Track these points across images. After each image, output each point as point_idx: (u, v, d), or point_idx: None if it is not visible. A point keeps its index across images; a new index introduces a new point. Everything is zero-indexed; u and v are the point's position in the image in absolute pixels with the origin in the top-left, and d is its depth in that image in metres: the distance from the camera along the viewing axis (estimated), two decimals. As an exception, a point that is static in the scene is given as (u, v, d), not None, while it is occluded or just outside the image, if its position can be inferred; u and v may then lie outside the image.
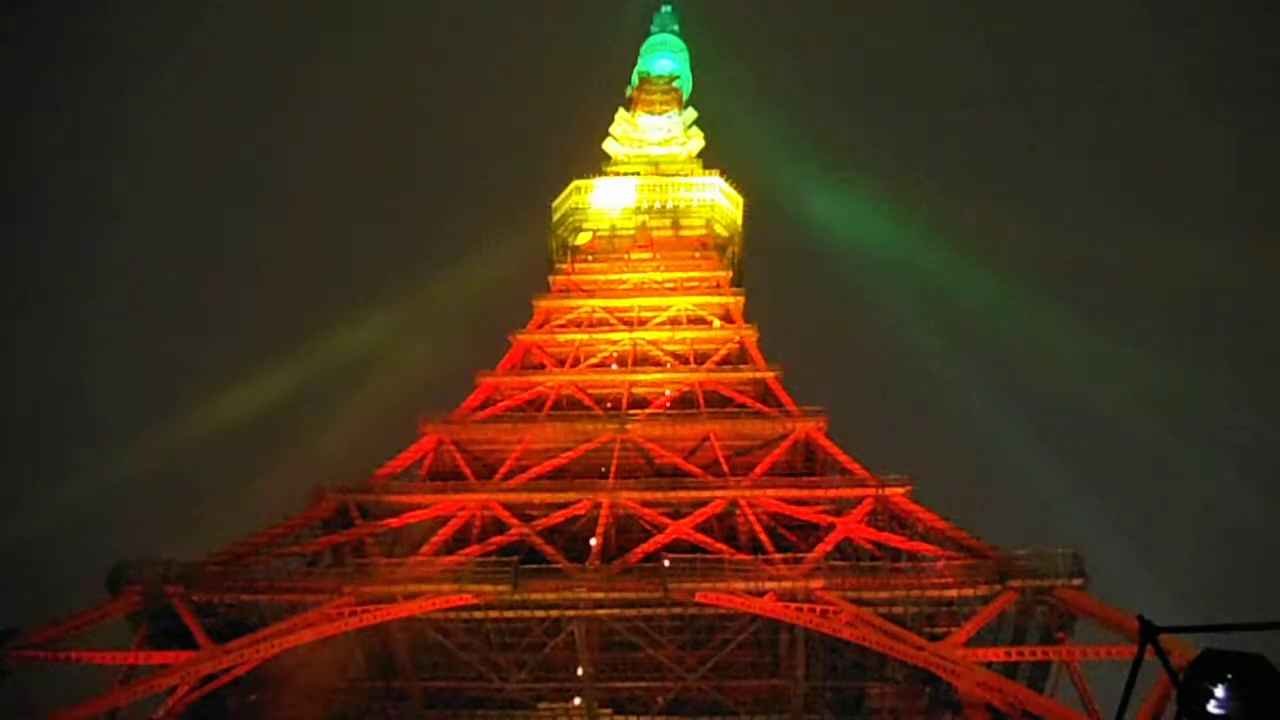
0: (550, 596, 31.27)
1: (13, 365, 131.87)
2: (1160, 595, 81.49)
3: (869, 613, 28.84)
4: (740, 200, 68.37)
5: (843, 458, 38.40)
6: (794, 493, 36.18)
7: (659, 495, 36.23)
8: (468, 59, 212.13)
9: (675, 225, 65.84)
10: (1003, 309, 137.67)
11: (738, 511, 35.32)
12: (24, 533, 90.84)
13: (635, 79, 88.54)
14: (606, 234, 65.93)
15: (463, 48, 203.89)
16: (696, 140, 78.18)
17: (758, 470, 38.23)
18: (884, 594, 30.02)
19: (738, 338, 50.39)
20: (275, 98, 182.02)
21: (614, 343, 51.28)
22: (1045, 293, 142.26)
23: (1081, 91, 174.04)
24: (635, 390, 46.49)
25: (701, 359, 49.09)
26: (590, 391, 46.21)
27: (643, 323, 52.79)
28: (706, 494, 36.04)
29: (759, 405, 43.79)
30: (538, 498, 36.93)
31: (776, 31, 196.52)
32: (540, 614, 32.02)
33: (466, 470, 40.13)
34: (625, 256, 61.82)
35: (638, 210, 66.76)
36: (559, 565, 31.91)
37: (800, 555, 32.02)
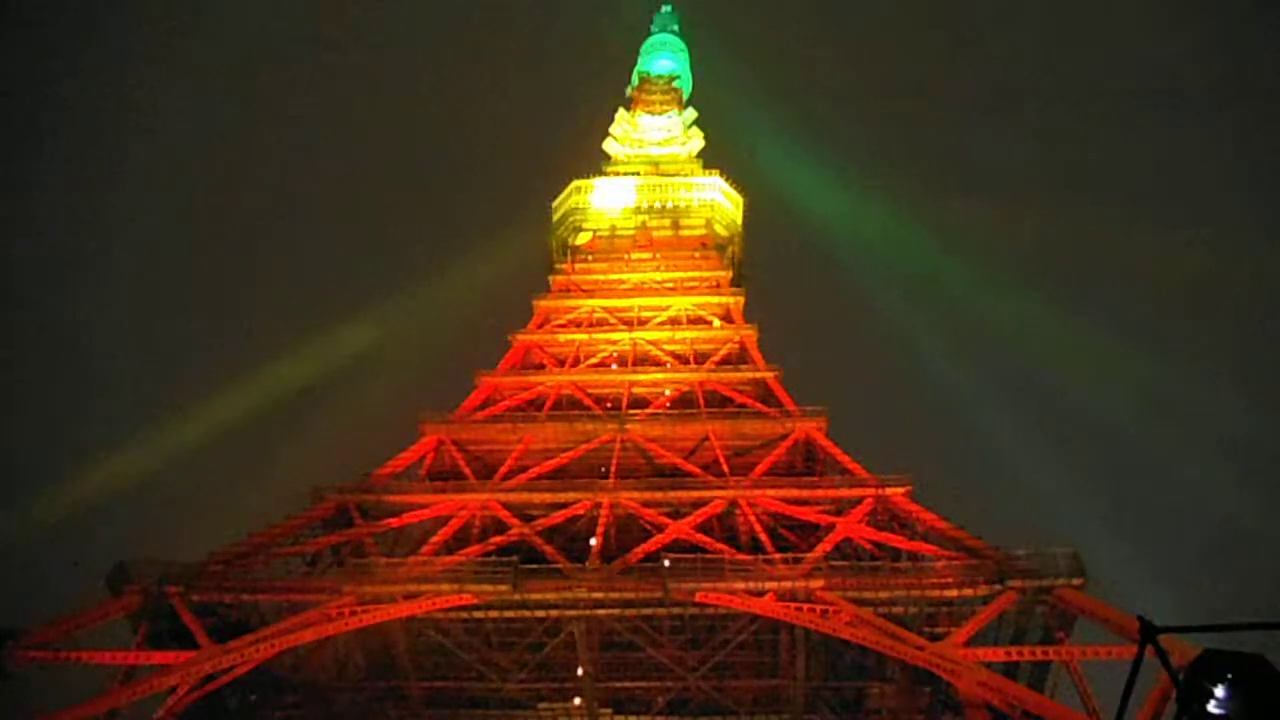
0: (550, 596, 31.27)
1: (13, 365, 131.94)
2: (1160, 595, 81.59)
3: (869, 613, 28.83)
4: (740, 200, 68.38)
5: (843, 458, 38.40)
6: (794, 493, 36.18)
7: (659, 495, 36.22)
8: (468, 59, 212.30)
9: (675, 225, 65.86)
10: (1003, 308, 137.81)
11: (738, 511, 35.32)
12: (24, 533, 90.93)
13: (635, 79, 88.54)
14: (606, 234, 65.95)
15: (463, 48, 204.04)
16: (696, 140, 78.19)
17: (758, 470, 38.23)
18: (884, 594, 30.01)
19: (738, 337, 50.39)
20: (274, 97, 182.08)
21: (614, 343, 51.28)
22: (1046, 293, 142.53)
23: (1083, 91, 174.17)
24: (635, 390, 46.48)
25: (701, 359, 49.08)
26: (590, 391, 46.21)
27: (643, 323, 52.79)
28: (706, 494, 36.04)
29: (759, 405, 43.78)
30: (538, 498, 36.92)
31: (776, 31, 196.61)
32: (540, 614, 32.04)
33: (466, 470, 40.11)
34: (625, 256, 61.83)
35: (638, 210, 66.78)
36: (559, 565, 31.89)
37: (800, 555, 32.02)
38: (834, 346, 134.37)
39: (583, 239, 66.26)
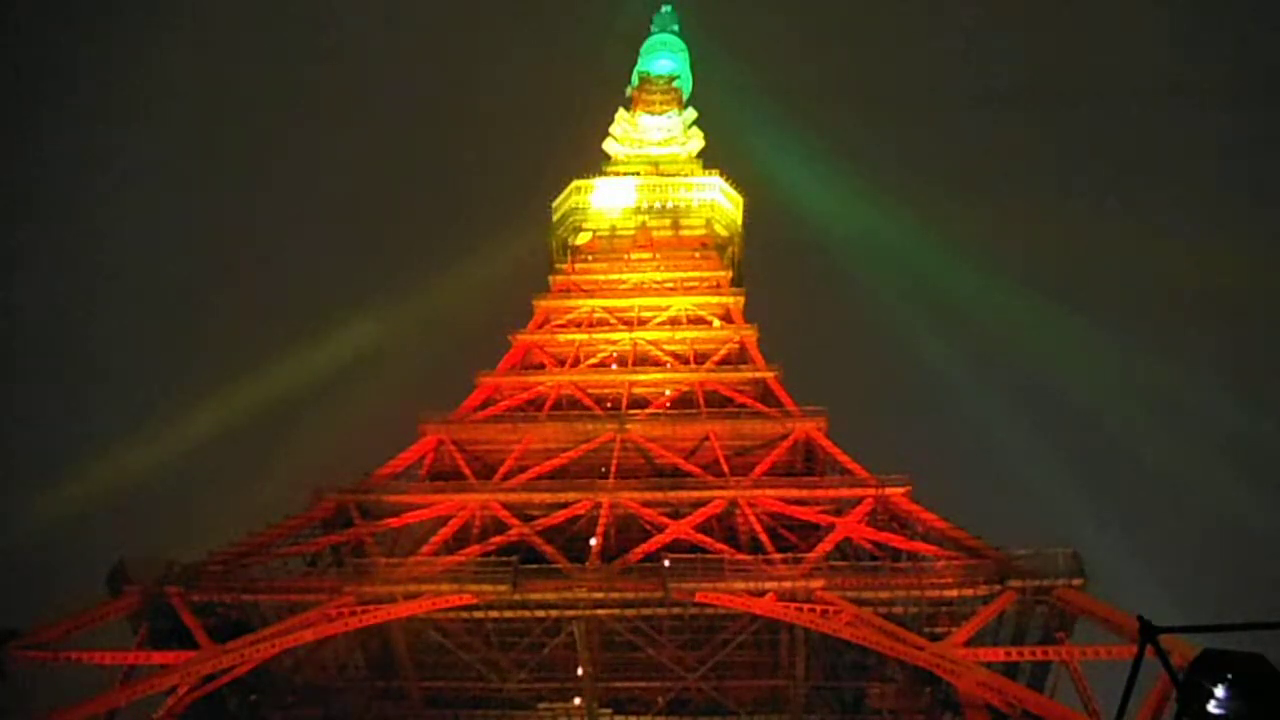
0: (550, 596, 31.28)
1: (13, 365, 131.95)
2: (1160, 595, 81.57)
3: (869, 613, 28.85)
4: (740, 200, 68.37)
5: (842, 458, 38.39)
6: (794, 493, 36.18)
7: (659, 495, 36.23)
8: (468, 59, 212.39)
9: (675, 225, 65.84)
10: (1003, 308, 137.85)
11: (738, 511, 35.32)
12: (24, 533, 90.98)
13: (635, 79, 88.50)
14: (606, 234, 65.93)
15: (463, 48, 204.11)
16: (696, 140, 78.18)
17: (758, 470, 38.23)
18: (884, 594, 30.04)
19: (738, 338, 50.39)
20: (275, 97, 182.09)
21: (614, 343, 51.28)
22: (1046, 292, 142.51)
23: (1081, 91, 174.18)
24: (635, 390, 46.49)
25: (701, 359, 49.09)
26: (590, 391, 46.21)
27: (643, 323, 52.79)
28: (706, 494, 36.04)
29: (759, 405, 43.78)
30: (538, 498, 36.93)
31: (776, 31, 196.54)
32: (540, 614, 32.05)
33: (466, 470, 40.11)
34: (625, 256, 61.81)
35: (638, 210, 66.76)
36: (559, 565, 31.91)
37: (800, 555, 32.04)
38: (834, 346, 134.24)
39: (583, 239, 66.25)
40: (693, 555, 31.69)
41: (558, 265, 62.89)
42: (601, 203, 67.33)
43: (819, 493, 36.22)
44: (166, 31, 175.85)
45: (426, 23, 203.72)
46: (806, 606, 29.18)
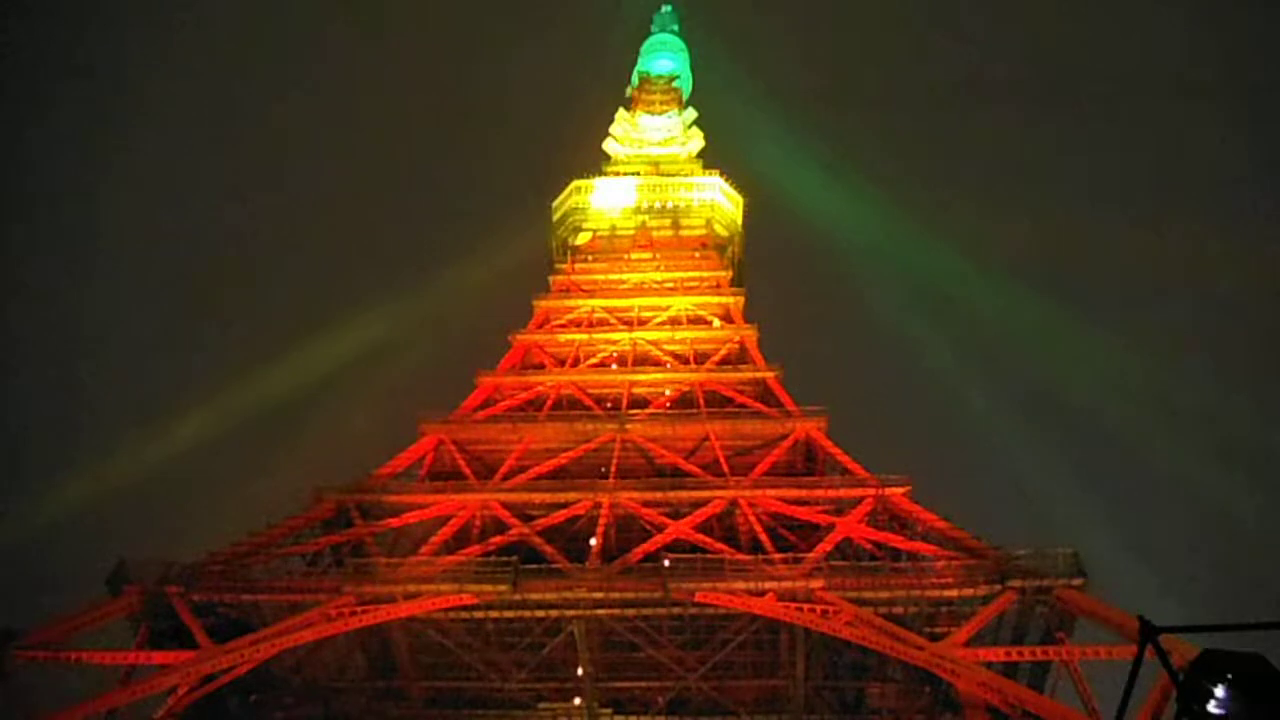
0: (550, 596, 31.27)
1: (13, 365, 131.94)
2: (1160, 595, 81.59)
3: (869, 613, 28.82)
4: (740, 200, 68.40)
5: (843, 458, 38.40)
6: (794, 493, 36.18)
7: (659, 495, 36.23)
8: (468, 59, 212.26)
9: (675, 225, 65.87)
10: (1004, 308, 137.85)
11: (738, 511, 35.33)
12: (24, 533, 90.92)
13: (635, 79, 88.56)
14: (606, 234, 65.96)
15: (463, 48, 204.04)
16: (696, 140, 78.22)
17: (758, 470, 38.23)
18: (884, 594, 29.99)
19: (738, 337, 50.40)
20: (275, 96, 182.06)
21: (614, 343, 51.29)
22: (1047, 292, 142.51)
23: (1080, 89, 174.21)
24: (635, 390, 46.49)
25: (701, 359, 49.09)
26: (590, 391, 46.21)
27: (643, 323, 52.80)
28: (706, 494, 36.04)
29: (759, 405, 43.78)
30: (538, 498, 36.93)
31: (777, 31, 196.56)
32: (540, 614, 32.01)
33: (466, 470, 40.12)
34: (625, 256, 61.83)
35: (638, 210, 66.79)
36: (559, 565, 31.90)
37: (800, 555, 32.02)
38: (834, 346, 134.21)
39: (583, 239, 66.28)
40: (693, 555, 31.68)
41: (558, 265, 62.85)
42: (601, 203, 67.36)
43: (819, 493, 36.21)
44: (167, 31, 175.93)
45: (427, 22, 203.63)
46: (806, 606, 29.17)
